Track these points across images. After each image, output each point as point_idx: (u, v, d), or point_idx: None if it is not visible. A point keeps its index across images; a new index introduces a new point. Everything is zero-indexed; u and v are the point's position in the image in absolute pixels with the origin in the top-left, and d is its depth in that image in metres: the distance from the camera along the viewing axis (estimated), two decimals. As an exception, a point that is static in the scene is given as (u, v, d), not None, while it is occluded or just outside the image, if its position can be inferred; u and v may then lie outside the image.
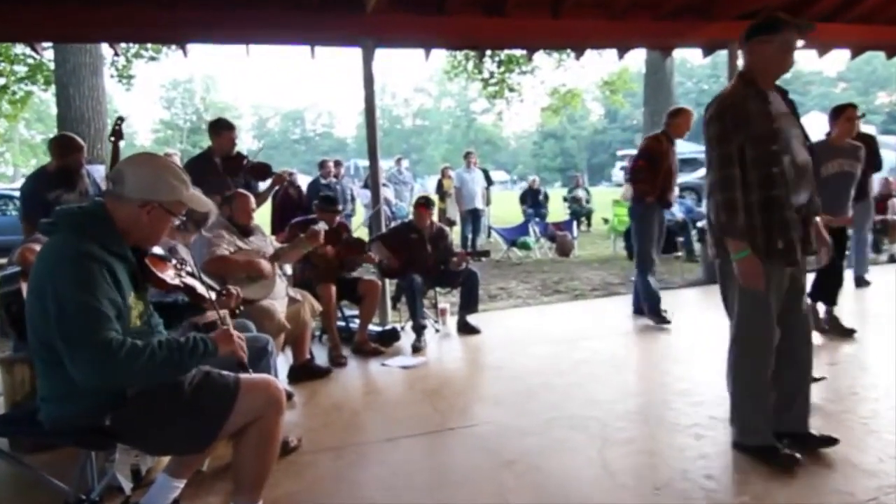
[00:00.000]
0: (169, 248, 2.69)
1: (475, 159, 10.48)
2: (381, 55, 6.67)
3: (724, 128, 2.32)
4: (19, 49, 11.05)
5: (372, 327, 4.60)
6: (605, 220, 11.40)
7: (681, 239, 8.06)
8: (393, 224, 6.28)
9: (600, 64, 47.70)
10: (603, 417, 3.04)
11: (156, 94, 49.55)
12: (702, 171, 12.65)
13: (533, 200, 11.53)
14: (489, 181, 10.86)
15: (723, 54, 5.99)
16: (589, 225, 12.80)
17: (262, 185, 4.47)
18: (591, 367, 3.87)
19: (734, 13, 5.38)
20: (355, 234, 4.73)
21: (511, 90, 15.18)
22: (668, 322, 4.77)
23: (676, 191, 5.21)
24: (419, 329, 4.52)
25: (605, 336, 4.61)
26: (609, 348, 4.27)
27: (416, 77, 71.43)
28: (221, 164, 4.16)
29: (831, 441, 2.53)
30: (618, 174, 27.09)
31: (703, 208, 9.18)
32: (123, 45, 8.11)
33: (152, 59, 12.28)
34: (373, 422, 3.18)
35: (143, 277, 1.98)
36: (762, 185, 2.29)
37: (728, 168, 2.30)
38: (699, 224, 7.48)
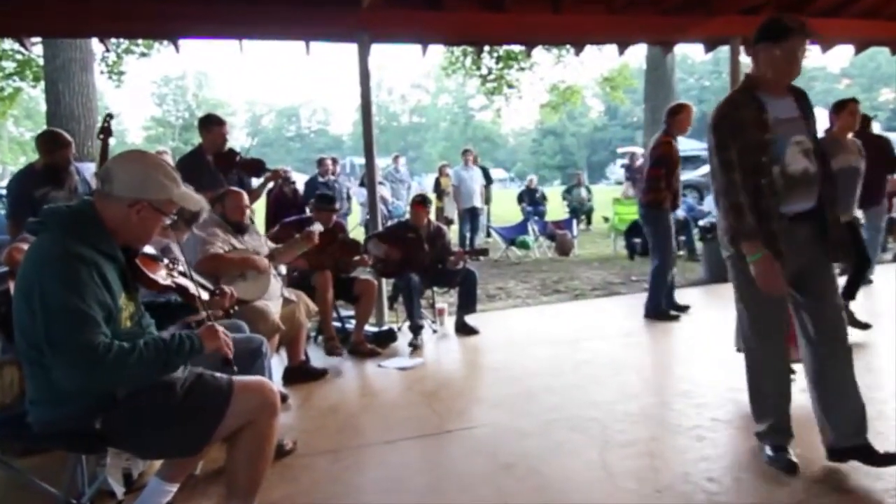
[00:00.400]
0: (162, 247, 2.64)
1: (473, 157, 10.43)
2: (378, 50, 6.62)
3: (721, 136, 2.35)
4: (7, 45, 10.97)
5: (368, 328, 4.56)
6: (606, 219, 11.36)
7: (682, 238, 8.02)
8: (389, 223, 6.24)
9: (600, 60, 47.67)
10: (603, 419, 3.01)
11: (147, 91, 49.51)
12: (703, 169, 12.66)
13: (531, 199, 11.50)
14: (489, 179, 10.81)
15: (724, 50, 5.95)
16: (589, 223, 12.74)
17: (256, 182, 4.42)
18: (592, 368, 3.84)
19: (736, 8, 5.34)
20: (351, 235, 4.68)
21: (510, 86, 15.14)
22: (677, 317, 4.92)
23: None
24: (416, 329, 4.49)
25: (606, 337, 4.57)
26: (609, 349, 4.24)
27: (412, 73, 71.50)
28: (213, 161, 4.11)
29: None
30: (618, 172, 27.08)
31: (705, 206, 9.18)
32: (114, 40, 8.03)
33: (143, 54, 12.22)
34: (369, 424, 3.14)
35: (134, 278, 1.95)
36: (751, 195, 2.32)
37: (730, 173, 2.32)
38: (700, 223, 7.44)
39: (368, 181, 5.30)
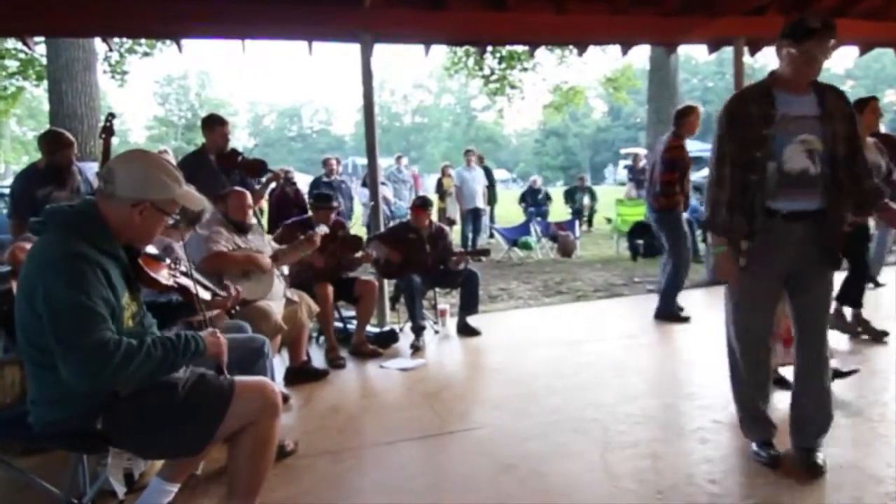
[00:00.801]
0: (164, 246, 2.65)
1: (476, 158, 10.41)
2: (380, 50, 6.63)
3: (723, 129, 2.39)
4: (10, 44, 10.99)
5: (370, 328, 4.55)
6: (608, 220, 11.33)
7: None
8: (391, 224, 6.24)
9: (603, 60, 47.66)
10: (605, 420, 3.00)
11: (150, 91, 49.54)
12: (705, 171, 12.63)
13: (533, 200, 11.44)
14: (491, 180, 10.78)
15: (728, 51, 5.93)
16: (590, 226, 12.60)
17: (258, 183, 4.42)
18: (594, 369, 3.83)
19: (740, 9, 5.32)
20: (352, 233, 4.67)
21: (512, 87, 15.12)
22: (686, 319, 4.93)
23: None
24: (418, 330, 4.48)
25: (608, 338, 4.56)
26: (612, 350, 4.22)
27: (415, 73, 71.43)
28: (216, 161, 4.11)
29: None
30: (619, 173, 27.04)
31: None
32: (117, 39, 8.04)
33: (146, 54, 12.23)
34: (371, 425, 3.14)
35: (136, 278, 1.94)
36: (738, 189, 2.37)
37: (721, 168, 2.39)
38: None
39: (371, 181, 5.30)
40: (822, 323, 2.44)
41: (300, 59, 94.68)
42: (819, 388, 2.47)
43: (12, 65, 11.96)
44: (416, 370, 3.99)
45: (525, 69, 14.69)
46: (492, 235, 10.90)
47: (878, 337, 4.17)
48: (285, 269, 4.12)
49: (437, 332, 4.89)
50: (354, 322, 4.49)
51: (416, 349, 4.38)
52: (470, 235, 9.89)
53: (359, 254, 4.42)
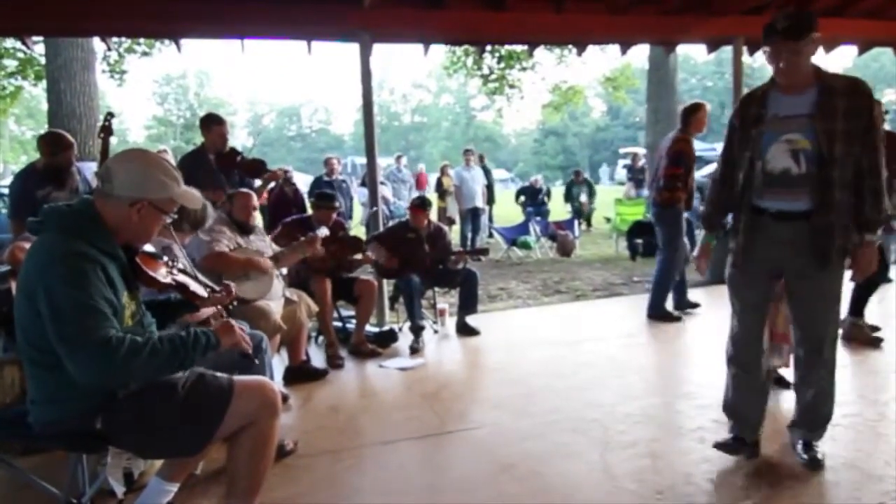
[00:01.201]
0: (163, 246, 2.64)
1: (473, 157, 10.39)
2: (379, 50, 6.61)
3: (730, 129, 2.50)
4: (9, 43, 10.96)
5: (369, 328, 4.55)
6: (608, 219, 11.33)
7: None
8: (390, 223, 6.23)
9: (602, 60, 47.67)
10: (605, 420, 3.00)
11: (149, 90, 49.42)
12: (706, 170, 12.61)
13: (533, 199, 11.39)
14: (489, 180, 10.75)
15: (727, 50, 5.93)
16: (589, 225, 12.51)
17: (257, 183, 4.42)
18: (593, 369, 3.83)
19: (739, 8, 5.32)
20: (352, 234, 4.67)
21: (511, 86, 15.11)
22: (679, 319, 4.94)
23: None
24: (417, 330, 4.47)
25: (607, 338, 4.56)
26: (611, 350, 4.22)
27: (414, 73, 71.43)
28: (215, 161, 4.10)
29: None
30: (620, 172, 27.01)
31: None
32: (116, 39, 8.03)
33: (145, 54, 12.20)
34: (370, 425, 3.14)
35: (135, 276, 1.94)
36: (728, 186, 2.48)
37: (720, 167, 2.53)
38: None
39: (370, 181, 5.29)
40: (819, 322, 2.41)
41: (299, 59, 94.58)
42: (817, 386, 2.47)
43: (11, 64, 11.93)
44: (416, 370, 3.99)
45: (524, 69, 14.68)
46: (491, 235, 10.90)
47: (872, 331, 4.17)
48: (283, 270, 4.12)
49: (436, 331, 4.89)
50: (353, 322, 4.48)
51: (415, 349, 4.38)
52: (469, 235, 9.89)
53: (358, 255, 4.42)
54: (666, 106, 12.09)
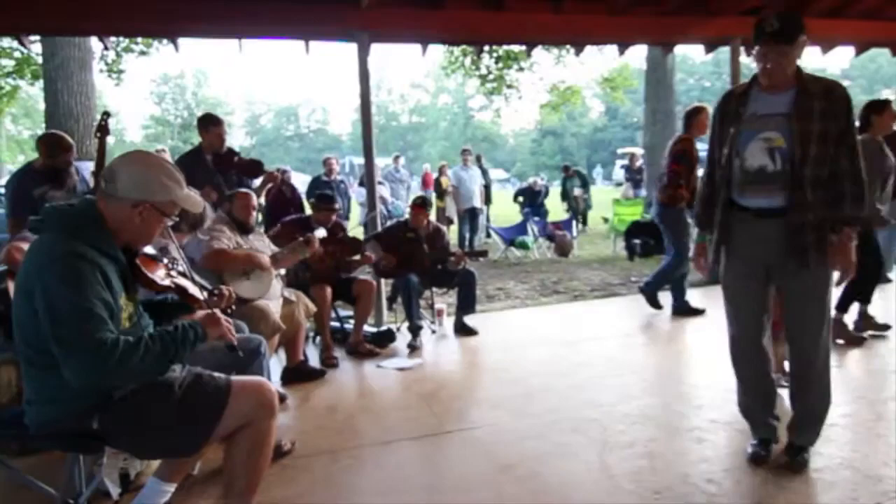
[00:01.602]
0: (161, 247, 2.64)
1: (471, 157, 10.38)
2: (377, 50, 6.61)
3: (713, 126, 2.55)
4: (6, 42, 10.92)
5: (367, 328, 4.54)
6: (605, 220, 11.32)
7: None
8: (389, 223, 6.23)
9: (600, 60, 47.67)
10: (603, 420, 3.00)
11: (146, 90, 49.28)
12: (700, 171, 12.61)
13: (532, 201, 11.32)
14: (486, 180, 10.72)
15: (725, 50, 5.94)
16: (584, 224, 12.31)
17: (255, 183, 4.41)
18: (591, 369, 3.83)
19: (736, 9, 5.34)
20: (351, 234, 4.66)
21: (509, 87, 15.11)
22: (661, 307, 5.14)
23: None
24: (415, 330, 4.47)
25: (605, 338, 4.56)
26: (609, 350, 4.23)
27: (412, 73, 71.41)
28: (212, 161, 4.10)
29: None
30: (618, 172, 27.01)
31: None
32: (113, 38, 8.00)
33: (142, 53, 12.16)
34: (368, 425, 3.13)
35: (134, 278, 1.93)
36: (708, 184, 2.54)
37: (707, 166, 2.57)
38: None
39: (368, 181, 5.29)
40: (808, 320, 2.41)
41: (297, 59, 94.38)
42: (806, 386, 2.49)
43: (7, 64, 11.89)
44: (414, 370, 3.99)
45: (522, 69, 14.68)
46: (489, 235, 10.89)
47: (881, 329, 4.19)
48: (282, 269, 4.12)
49: (434, 331, 4.89)
50: (351, 321, 4.48)
51: (414, 349, 4.38)
52: (467, 235, 9.88)
53: (357, 256, 4.42)
54: (664, 106, 12.10)
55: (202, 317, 1.93)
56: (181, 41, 5.04)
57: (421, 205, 4.81)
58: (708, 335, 4.38)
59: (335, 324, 4.54)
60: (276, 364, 3.64)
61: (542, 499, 2.33)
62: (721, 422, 2.90)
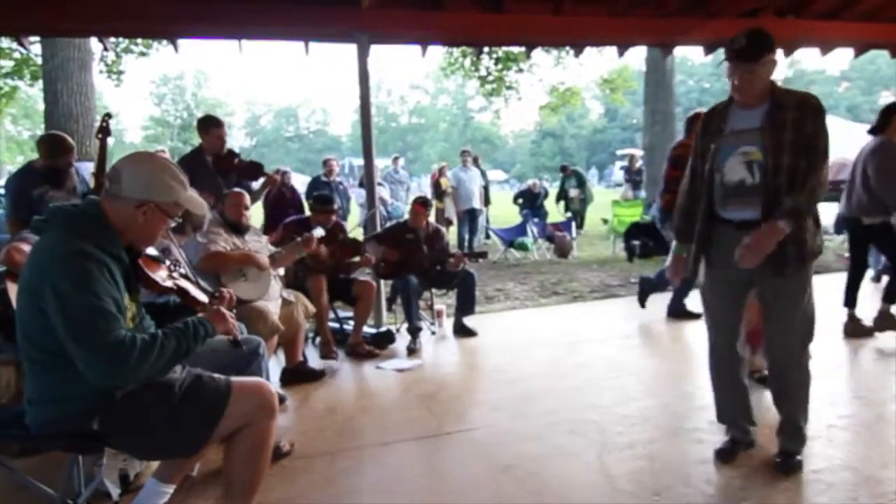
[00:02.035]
0: (163, 248, 2.64)
1: (473, 158, 10.38)
2: (377, 51, 6.61)
3: (696, 140, 2.59)
4: (5, 43, 10.93)
5: (367, 329, 4.54)
6: (605, 221, 11.31)
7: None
8: (388, 224, 6.24)
9: (600, 61, 47.76)
10: (602, 421, 3.00)
11: (146, 90, 49.29)
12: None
13: (531, 204, 11.28)
14: (485, 181, 10.70)
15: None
16: (581, 226, 12.02)
17: (255, 185, 4.41)
18: (590, 370, 3.83)
19: (736, 11, 5.33)
20: (351, 236, 4.67)
21: (509, 88, 15.13)
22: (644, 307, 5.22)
23: None
24: (414, 331, 4.47)
25: (605, 339, 4.56)
26: (608, 351, 4.23)
27: (412, 74, 71.42)
28: (212, 163, 4.10)
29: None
30: (618, 174, 27.01)
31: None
32: (113, 39, 8.00)
33: (142, 54, 12.17)
34: (367, 426, 3.13)
35: (136, 279, 1.94)
36: (691, 197, 2.58)
37: (688, 178, 2.62)
38: None
39: (367, 182, 5.29)
40: (785, 330, 2.44)
41: (297, 60, 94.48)
42: (785, 394, 2.51)
43: (7, 64, 11.89)
44: (413, 371, 3.99)
45: (521, 70, 14.70)
46: (488, 236, 10.88)
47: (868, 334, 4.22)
48: (281, 270, 4.12)
49: (433, 332, 4.89)
50: (351, 323, 4.48)
51: (413, 350, 4.38)
52: (466, 236, 9.87)
53: (357, 258, 4.42)
54: (663, 108, 12.12)
55: (210, 313, 1.95)
56: (181, 42, 5.03)
57: (422, 204, 4.82)
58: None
59: (335, 325, 4.54)
60: (275, 365, 3.64)
61: (541, 500, 2.33)
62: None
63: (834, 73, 48.08)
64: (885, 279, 4.72)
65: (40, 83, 9.45)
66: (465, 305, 4.78)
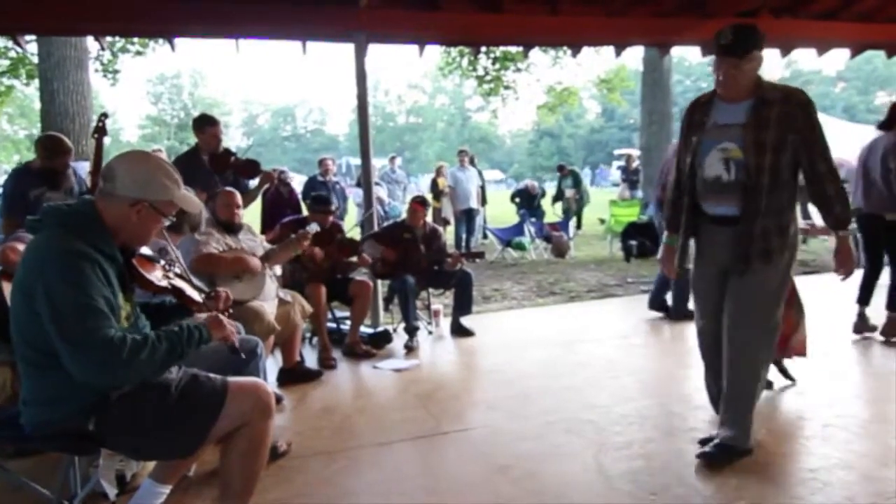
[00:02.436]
0: (158, 248, 2.63)
1: (467, 158, 10.36)
2: (375, 51, 6.60)
3: (681, 133, 2.62)
4: (1, 42, 10.90)
5: (364, 329, 4.54)
6: (602, 221, 11.31)
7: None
8: (386, 223, 6.24)
9: (597, 61, 47.81)
10: (599, 421, 3.01)
11: (142, 90, 49.20)
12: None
13: (529, 204, 11.25)
14: (481, 181, 10.67)
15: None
16: (579, 226, 12.12)
17: (252, 184, 4.40)
18: (588, 370, 3.83)
19: (733, 10, 5.34)
20: (348, 235, 4.66)
21: (506, 88, 15.13)
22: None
23: None
24: (412, 331, 4.47)
25: (602, 339, 4.57)
26: (605, 351, 4.23)
27: (409, 73, 71.41)
28: (209, 161, 4.09)
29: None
30: (614, 173, 27.04)
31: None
32: (109, 38, 7.97)
33: (138, 53, 12.14)
34: (364, 426, 3.12)
35: (131, 279, 1.93)
36: (681, 192, 2.60)
37: (675, 171, 2.64)
38: None
39: (364, 182, 5.28)
40: (742, 322, 2.48)
41: (294, 59, 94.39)
42: (729, 387, 2.54)
43: (3, 63, 11.85)
44: (410, 371, 3.98)
45: (519, 70, 14.70)
46: (485, 236, 10.87)
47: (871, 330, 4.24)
48: (277, 270, 4.11)
49: (430, 332, 4.89)
50: (348, 322, 4.47)
51: (410, 350, 4.38)
52: (464, 236, 9.86)
53: (354, 258, 4.41)
54: (660, 108, 12.12)
55: (206, 319, 1.93)
56: (178, 41, 5.02)
57: (420, 203, 4.82)
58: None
59: (332, 325, 4.54)
60: (272, 365, 3.63)
61: (538, 499, 2.33)
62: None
63: (830, 74, 48.24)
64: None
65: (36, 82, 9.41)
66: (463, 305, 4.78)
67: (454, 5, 4.96)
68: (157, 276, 2.05)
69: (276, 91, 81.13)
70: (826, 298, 4.87)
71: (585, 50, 6.01)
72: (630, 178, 12.57)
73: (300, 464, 2.67)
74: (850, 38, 5.87)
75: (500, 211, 13.12)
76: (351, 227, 5.77)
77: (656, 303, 5.11)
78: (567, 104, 18.02)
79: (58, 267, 1.66)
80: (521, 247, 9.34)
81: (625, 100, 21.61)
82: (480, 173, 10.76)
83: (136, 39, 11.33)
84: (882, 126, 4.16)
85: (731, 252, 2.43)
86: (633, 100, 23.97)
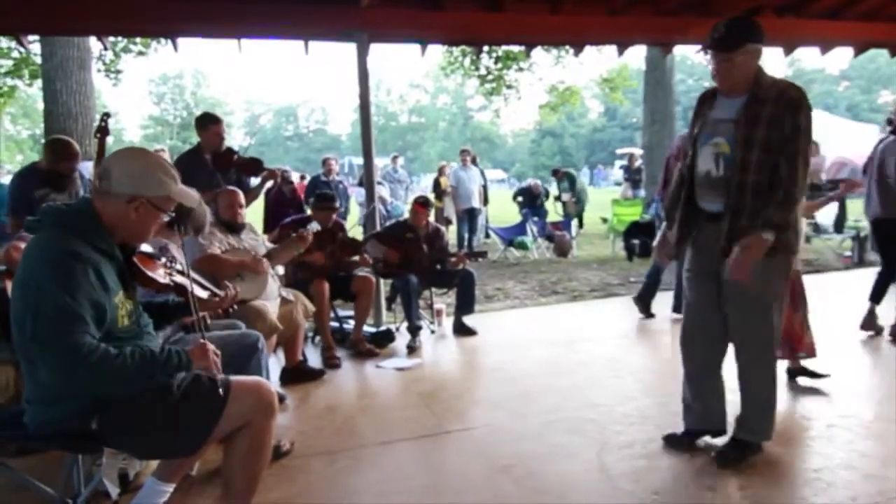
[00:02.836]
0: (160, 246, 2.63)
1: (469, 158, 10.35)
2: (377, 50, 6.60)
3: (689, 126, 2.62)
4: (4, 42, 10.92)
5: (366, 328, 4.54)
6: (604, 220, 11.30)
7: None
8: (388, 223, 6.24)
9: (599, 60, 47.71)
10: (601, 420, 3.00)
11: (145, 90, 49.30)
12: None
13: (531, 203, 11.22)
14: (483, 180, 10.65)
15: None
16: (580, 226, 11.93)
17: (254, 182, 4.41)
18: (590, 369, 3.83)
19: (735, 9, 5.31)
20: (350, 234, 4.66)
21: (508, 87, 15.11)
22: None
23: None
24: (414, 330, 4.47)
25: (604, 338, 4.57)
26: (607, 350, 4.23)
27: (411, 73, 71.42)
28: (211, 160, 4.09)
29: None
30: (615, 173, 27.01)
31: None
32: (112, 38, 7.99)
33: (141, 53, 12.16)
34: (367, 425, 3.13)
35: (132, 276, 1.93)
36: (681, 186, 2.57)
37: (681, 164, 2.61)
38: None
39: (367, 181, 5.28)
40: (739, 323, 2.47)
41: (296, 59, 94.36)
42: (753, 391, 2.52)
43: (6, 64, 11.88)
44: (413, 370, 3.99)
45: (521, 69, 14.68)
46: (488, 235, 10.86)
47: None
48: (280, 269, 4.11)
49: (433, 331, 4.89)
50: (351, 322, 4.47)
51: (413, 349, 4.38)
52: (466, 235, 9.85)
53: (356, 257, 4.42)
54: (663, 107, 12.09)
55: (192, 348, 1.90)
56: (180, 41, 5.03)
57: (423, 203, 4.81)
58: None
59: (334, 324, 4.54)
60: (274, 364, 3.64)
61: (540, 499, 2.33)
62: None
63: (833, 73, 48.14)
64: None
65: (39, 82, 9.45)
66: (465, 304, 4.78)
67: (456, 4, 4.95)
68: (159, 273, 2.05)
69: (278, 91, 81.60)
70: (827, 297, 4.86)
71: (587, 49, 6.00)
72: (632, 177, 12.54)
73: (303, 463, 2.67)
74: (853, 37, 5.85)
75: (502, 210, 13.11)
76: (353, 225, 5.78)
77: (641, 303, 5.11)
78: (569, 103, 17.99)
79: (49, 267, 1.66)
80: (523, 246, 9.33)
81: (627, 99, 21.60)
82: (482, 173, 10.76)
83: (138, 39, 11.35)
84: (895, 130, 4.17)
85: (719, 248, 2.37)
86: (636, 99, 23.96)
